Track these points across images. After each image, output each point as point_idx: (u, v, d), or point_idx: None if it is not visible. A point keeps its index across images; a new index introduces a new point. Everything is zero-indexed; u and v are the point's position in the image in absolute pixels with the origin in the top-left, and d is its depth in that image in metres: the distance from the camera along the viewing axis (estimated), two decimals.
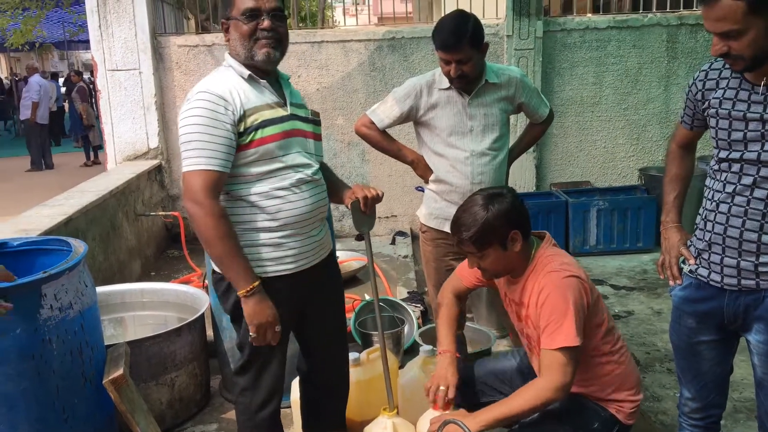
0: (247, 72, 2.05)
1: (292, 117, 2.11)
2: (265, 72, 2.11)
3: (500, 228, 2.04)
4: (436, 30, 2.66)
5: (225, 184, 2.02)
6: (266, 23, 2.02)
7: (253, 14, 2.01)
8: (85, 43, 18.37)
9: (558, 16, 6.12)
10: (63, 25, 15.48)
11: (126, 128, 5.80)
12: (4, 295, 2.04)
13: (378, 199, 2.25)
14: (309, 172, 2.12)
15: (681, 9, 5.95)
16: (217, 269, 2.14)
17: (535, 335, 2.09)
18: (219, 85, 2.01)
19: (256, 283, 2.00)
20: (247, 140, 2.00)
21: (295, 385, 2.63)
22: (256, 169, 2.04)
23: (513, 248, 2.07)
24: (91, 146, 11.64)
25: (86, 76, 16.40)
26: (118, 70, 5.68)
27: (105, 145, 5.89)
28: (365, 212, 2.24)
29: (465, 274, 2.40)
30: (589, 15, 5.96)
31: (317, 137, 2.23)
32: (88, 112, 11.49)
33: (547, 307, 2.02)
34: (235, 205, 2.07)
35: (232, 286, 2.08)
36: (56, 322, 2.20)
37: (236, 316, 2.14)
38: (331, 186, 2.29)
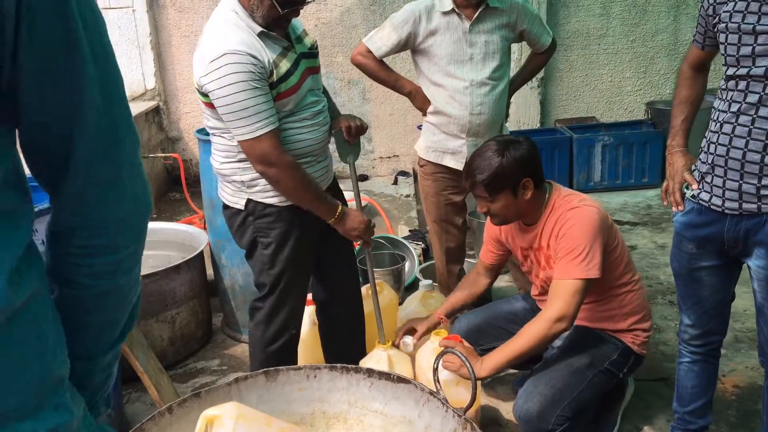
0: (258, 29, 1.97)
1: (301, 56, 2.08)
2: None
3: (513, 174, 2.05)
4: None
5: None
6: (297, 13, 2.01)
7: (292, 3, 1.94)
8: None
9: None
10: None
11: (121, 69, 5.66)
12: None
13: (362, 129, 2.30)
14: (317, 108, 2.15)
15: None
16: (229, 203, 2.18)
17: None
18: (239, 43, 1.91)
19: (340, 207, 2.15)
20: (273, 95, 1.99)
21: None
22: None
23: (524, 196, 2.08)
24: None
25: None
26: (111, 8, 5.52)
27: None
28: (349, 141, 2.31)
29: (483, 252, 2.45)
30: None
31: (319, 69, 2.23)
32: None
33: (569, 239, 2.01)
34: None
35: (247, 221, 2.13)
36: None
37: (251, 251, 2.19)
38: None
